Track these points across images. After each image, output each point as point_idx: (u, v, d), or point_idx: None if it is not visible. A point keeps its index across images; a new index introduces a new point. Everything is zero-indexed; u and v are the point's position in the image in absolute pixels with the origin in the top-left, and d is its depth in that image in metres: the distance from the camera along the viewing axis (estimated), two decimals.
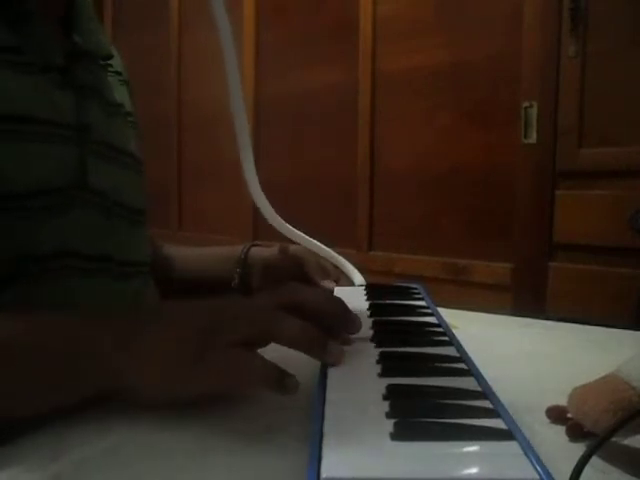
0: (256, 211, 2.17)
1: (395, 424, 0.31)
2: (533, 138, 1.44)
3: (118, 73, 0.70)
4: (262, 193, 0.64)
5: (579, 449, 0.37)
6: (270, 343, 0.42)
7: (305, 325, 0.41)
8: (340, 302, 0.46)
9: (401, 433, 0.30)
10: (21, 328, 0.43)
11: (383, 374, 0.38)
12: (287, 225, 0.67)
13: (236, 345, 0.40)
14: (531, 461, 0.27)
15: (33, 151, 0.51)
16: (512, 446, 0.29)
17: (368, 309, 0.54)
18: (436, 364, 0.40)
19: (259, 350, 0.42)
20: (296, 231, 0.69)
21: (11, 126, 0.50)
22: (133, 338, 0.42)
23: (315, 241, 0.72)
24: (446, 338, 0.45)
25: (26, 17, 0.54)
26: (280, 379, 0.39)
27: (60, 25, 0.60)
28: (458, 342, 0.44)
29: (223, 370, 0.40)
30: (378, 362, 0.40)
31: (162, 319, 0.45)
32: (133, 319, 0.46)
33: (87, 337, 0.43)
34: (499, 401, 0.34)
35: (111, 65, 0.68)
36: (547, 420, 0.41)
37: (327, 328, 0.43)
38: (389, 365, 0.40)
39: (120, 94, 0.68)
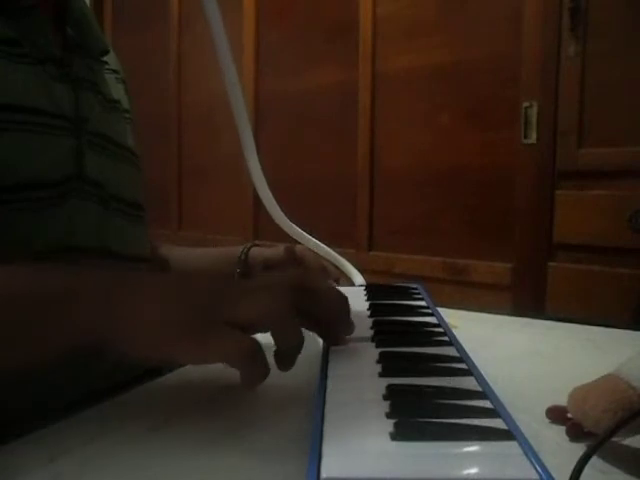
0: (256, 211, 2.17)
1: (395, 424, 0.31)
2: (533, 138, 1.44)
3: (115, 71, 0.70)
4: (267, 188, 0.64)
5: (579, 449, 0.37)
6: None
7: (300, 342, 0.41)
8: (346, 304, 0.45)
9: (401, 433, 0.30)
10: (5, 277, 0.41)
11: (383, 374, 0.38)
12: (289, 222, 0.67)
13: (235, 326, 0.39)
14: (531, 461, 0.27)
15: (30, 142, 0.51)
16: (512, 446, 0.29)
17: (368, 309, 0.54)
18: (436, 364, 0.40)
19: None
20: (298, 229, 0.69)
21: (7, 116, 0.50)
22: (129, 294, 0.41)
23: (316, 240, 0.72)
24: (446, 338, 0.45)
25: (24, 12, 0.54)
26: (257, 376, 0.39)
27: (56, 21, 0.60)
28: (458, 342, 0.44)
29: (217, 349, 0.39)
30: (378, 362, 0.40)
31: (166, 285, 0.43)
32: (135, 278, 0.44)
33: (77, 287, 0.41)
34: (499, 401, 0.34)
35: (107, 63, 0.68)
36: (547, 420, 0.41)
37: (324, 323, 0.44)
38: (389, 365, 0.40)
39: (117, 91, 0.68)
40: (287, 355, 0.41)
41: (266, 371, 0.39)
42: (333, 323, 0.44)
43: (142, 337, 0.39)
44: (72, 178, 0.55)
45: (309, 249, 0.73)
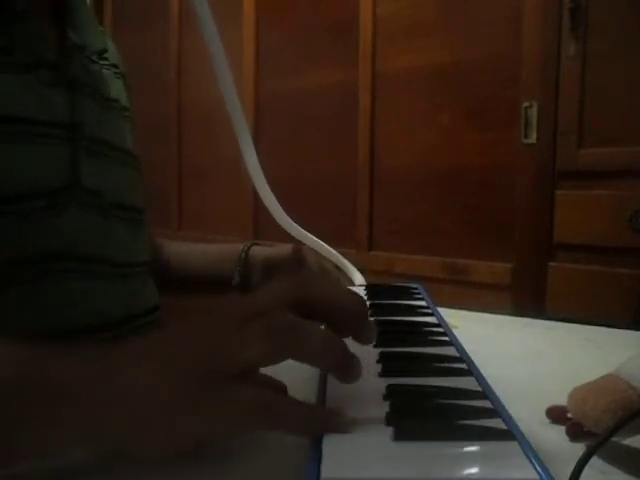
0: (256, 211, 2.16)
1: (395, 424, 0.31)
2: (533, 138, 1.44)
3: (114, 66, 0.69)
4: (267, 187, 0.64)
5: (579, 449, 0.37)
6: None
7: (326, 337, 0.35)
8: (361, 300, 0.38)
9: (401, 433, 0.30)
10: None
11: (383, 374, 0.38)
12: (290, 220, 0.67)
13: (238, 378, 0.33)
14: (531, 461, 0.27)
15: (23, 152, 0.51)
16: (512, 446, 0.29)
17: (368, 309, 0.54)
18: (436, 364, 0.40)
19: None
20: (299, 228, 0.69)
21: None
22: (108, 380, 0.33)
23: (316, 239, 0.72)
24: (446, 338, 0.45)
25: (16, 17, 0.53)
26: (312, 421, 0.32)
27: (54, 21, 0.59)
28: (458, 342, 0.44)
29: (241, 410, 0.32)
30: (378, 362, 0.40)
31: (137, 359, 0.34)
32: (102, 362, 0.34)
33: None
34: (499, 401, 0.34)
35: (107, 58, 0.67)
36: (547, 420, 0.41)
37: (340, 329, 0.37)
38: (389, 365, 0.40)
39: (116, 88, 0.67)
40: (336, 365, 0.34)
41: (307, 414, 0.33)
42: (352, 329, 0.37)
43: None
44: (68, 187, 0.54)
45: (310, 249, 0.73)
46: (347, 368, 0.34)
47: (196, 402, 0.32)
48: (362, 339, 0.38)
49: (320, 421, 0.32)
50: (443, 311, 0.53)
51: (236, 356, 0.33)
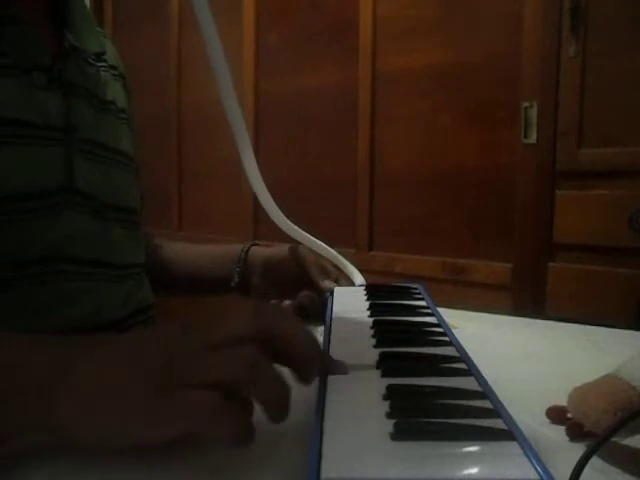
0: (256, 211, 2.16)
1: (395, 424, 0.31)
2: (533, 138, 1.44)
3: (112, 67, 0.69)
4: (266, 190, 0.64)
5: (579, 449, 0.37)
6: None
7: (284, 388, 0.35)
8: (315, 344, 0.39)
9: (401, 433, 0.30)
10: None
11: (383, 374, 0.38)
12: (289, 222, 0.68)
13: (202, 387, 0.33)
14: (531, 461, 0.27)
15: (17, 155, 0.51)
16: (512, 446, 0.29)
17: (368, 309, 0.54)
18: (436, 364, 0.40)
19: None
20: (298, 229, 0.69)
21: None
22: (70, 370, 0.35)
23: (316, 239, 0.72)
24: (446, 338, 0.45)
25: (10, 20, 0.53)
26: (244, 434, 0.34)
27: (52, 24, 0.59)
28: (458, 342, 0.44)
29: (184, 413, 0.33)
30: (378, 362, 0.40)
31: (109, 350, 0.37)
32: (71, 347, 0.38)
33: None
34: (499, 401, 0.34)
35: (105, 60, 0.67)
36: (547, 420, 0.41)
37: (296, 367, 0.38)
38: (389, 365, 0.40)
39: (113, 89, 0.67)
40: (276, 405, 0.35)
41: (243, 427, 0.34)
42: (305, 368, 0.38)
43: (87, 425, 0.34)
44: (62, 189, 0.54)
45: (309, 249, 0.73)
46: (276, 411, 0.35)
47: (147, 406, 0.33)
48: (303, 380, 0.38)
49: (248, 434, 0.34)
50: (443, 311, 0.53)
51: (196, 369, 0.34)
